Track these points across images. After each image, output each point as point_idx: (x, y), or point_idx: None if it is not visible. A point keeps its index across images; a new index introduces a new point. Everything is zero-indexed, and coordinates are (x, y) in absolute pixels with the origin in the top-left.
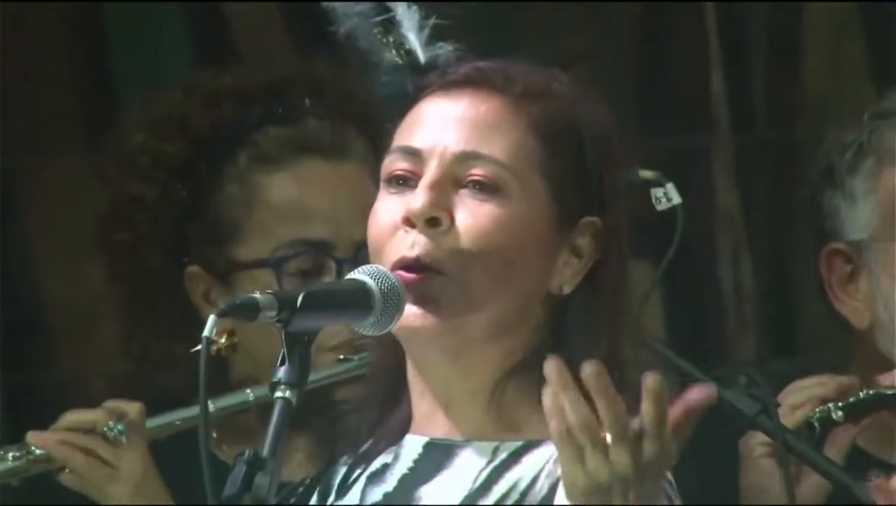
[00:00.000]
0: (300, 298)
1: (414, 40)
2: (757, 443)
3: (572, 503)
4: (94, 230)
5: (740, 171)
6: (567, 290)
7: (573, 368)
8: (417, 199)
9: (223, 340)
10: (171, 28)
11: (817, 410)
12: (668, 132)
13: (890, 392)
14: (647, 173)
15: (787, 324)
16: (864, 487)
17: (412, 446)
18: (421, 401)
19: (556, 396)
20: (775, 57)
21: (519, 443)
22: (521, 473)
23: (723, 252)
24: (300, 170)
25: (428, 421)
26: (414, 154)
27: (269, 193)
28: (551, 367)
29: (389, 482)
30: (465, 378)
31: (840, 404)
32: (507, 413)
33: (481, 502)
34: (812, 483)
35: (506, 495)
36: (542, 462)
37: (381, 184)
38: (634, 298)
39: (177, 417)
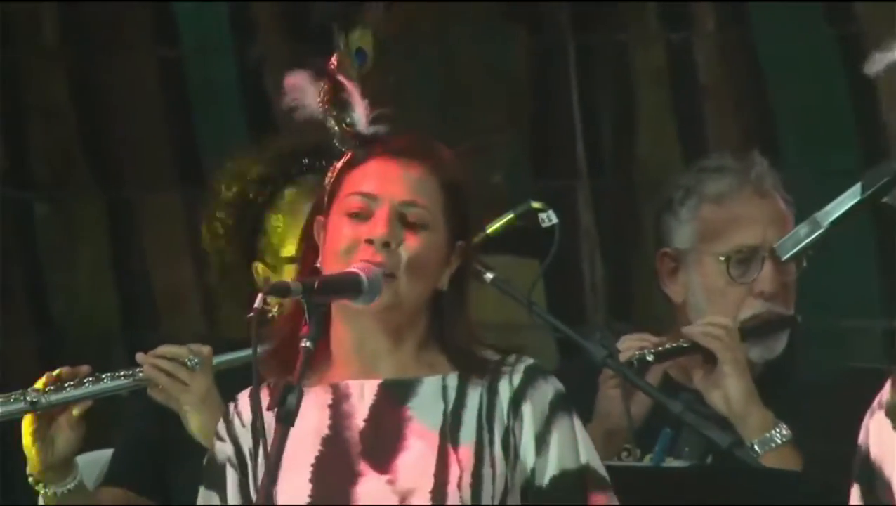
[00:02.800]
0: (316, 284)
1: (359, 119)
2: (608, 378)
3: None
4: (190, 240)
5: (595, 202)
6: (445, 286)
7: (448, 328)
8: (380, 228)
9: (275, 309)
10: (231, 103)
11: (636, 353)
12: (550, 177)
13: (685, 344)
14: (536, 204)
15: (626, 301)
16: (673, 402)
17: (363, 387)
18: (355, 353)
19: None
20: (619, 125)
21: (456, 374)
22: (476, 390)
23: (584, 255)
24: None
25: (360, 367)
26: (371, 197)
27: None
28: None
29: (357, 400)
30: (398, 339)
31: (652, 351)
32: (426, 360)
33: (465, 414)
34: (639, 401)
35: (480, 405)
36: (479, 383)
37: (339, 212)
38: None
39: (233, 357)
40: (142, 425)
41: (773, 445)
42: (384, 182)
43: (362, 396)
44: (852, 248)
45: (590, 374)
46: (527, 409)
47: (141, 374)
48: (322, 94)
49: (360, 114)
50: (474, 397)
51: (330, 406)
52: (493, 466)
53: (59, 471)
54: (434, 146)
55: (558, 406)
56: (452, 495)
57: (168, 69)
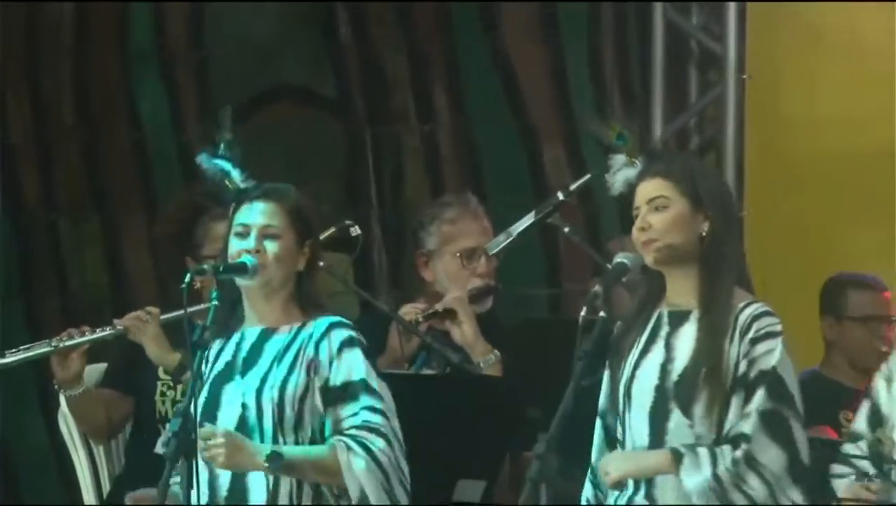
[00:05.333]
0: (221, 268)
1: (240, 182)
2: (395, 328)
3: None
4: (148, 243)
5: (381, 223)
6: (301, 268)
7: (304, 294)
8: (252, 243)
9: (199, 284)
10: (172, 162)
11: (411, 315)
12: (356, 207)
13: (440, 309)
14: (348, 222)
15: (399, 279)
16: (427, 336)
17: (252, 331)
18: (252, 313)
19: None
20: (395, 178)
21: (299, 324)
22: (305, 335)
23: (374, 252)
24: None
25: (254, 321)
26: (245, 225)
27: (215, 232)
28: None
29: (248, 341)
30: (270, 298)
31: (421, 315)
32: (288, 314)
33: (292, 346)
34: (411, 346)
35: (302, 343)
36: (309, 332)
37: (232, 234)
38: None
39: (173, 315)
40: (125, 351)
41: (489, 363)
42: (252, 215)
43: (251, 337)
44: (530, 247)
45: (379, 323)
46: (324, 345)
47: (119, 326)
48: (214, 172)
49: (236, 178)
50: (301, 337)
51: (237, 343)
52: (299, 375)
53: (72, 383)
54: (281, 189)
55: (345, 344)
56: (269, 388)
57: (138, 142)
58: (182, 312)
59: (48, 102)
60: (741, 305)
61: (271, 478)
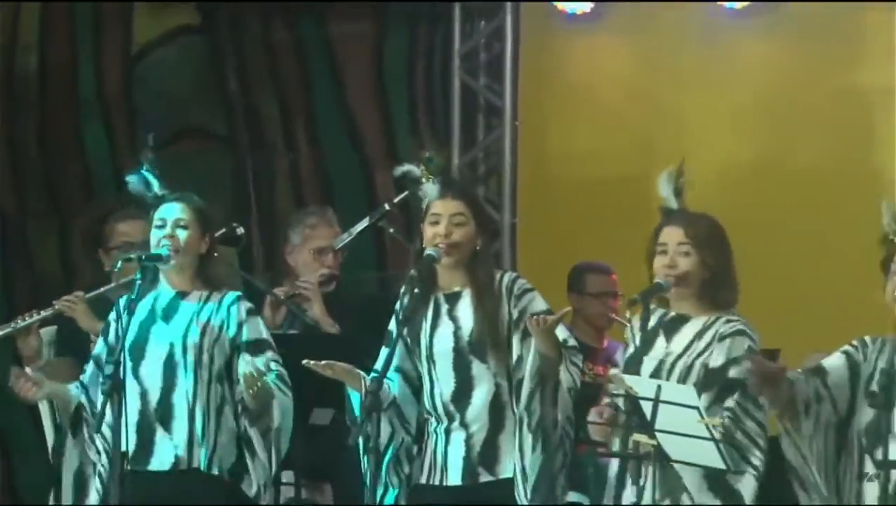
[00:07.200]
0: (143, 256)
1: (158, 191)
2: (267, 301)
3: None
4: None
5: (260, 227)
6: (204, 249)
7: (206, 271)
8: (167, 231)
9: (117, 267)
10: (109, 181)
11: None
12: (240, 216)
13: (297, 292)
14: (235, 224)
15: (272, 265)
16: (292, 306)
17: (166, 292)
18: (165, 281)
19: None
20: (275, 194)
21: (207, 293)
22: (214, 303)
23: (254, 244)
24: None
25: (167, 287)
26: (163, 218)
27: (118, 229)
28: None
29: (163, 299)
30: (182, 272)
31: (285, 295)
32: (193, 284)
33: (203, 311)
34: (279, 315)
35: (212, 307)
36: (219, 300)
37: (153, 227)
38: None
39: (94, 293)
40: (70, 326)
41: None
42: (168, 212)
43: (166, 296)
44: (365, 242)
45: (257, 297)
46: (233, 310)
47: (57, 306)
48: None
49: (155, 187)
50: (211, 306)
51: (154, 298)
52: (212, 334)
53: (34, 357)
54: (187, 195)
55: (250, 312)
56: (192, 335)
57: (84, 167)
58: (102, 289)
59: (20, 139)
60: (497, 276)
61: (191, 395)
